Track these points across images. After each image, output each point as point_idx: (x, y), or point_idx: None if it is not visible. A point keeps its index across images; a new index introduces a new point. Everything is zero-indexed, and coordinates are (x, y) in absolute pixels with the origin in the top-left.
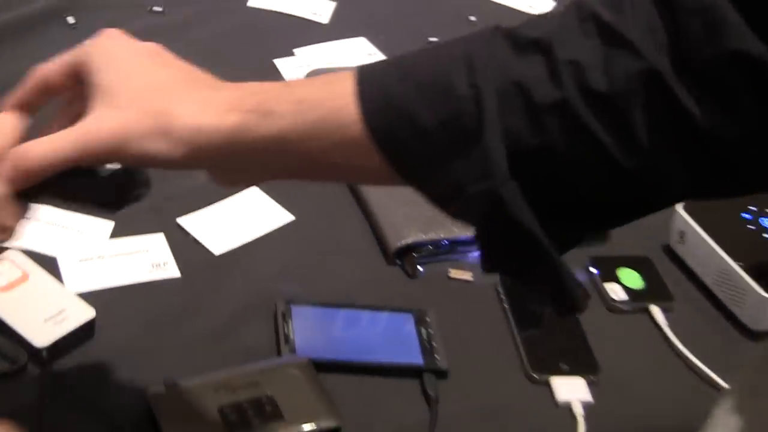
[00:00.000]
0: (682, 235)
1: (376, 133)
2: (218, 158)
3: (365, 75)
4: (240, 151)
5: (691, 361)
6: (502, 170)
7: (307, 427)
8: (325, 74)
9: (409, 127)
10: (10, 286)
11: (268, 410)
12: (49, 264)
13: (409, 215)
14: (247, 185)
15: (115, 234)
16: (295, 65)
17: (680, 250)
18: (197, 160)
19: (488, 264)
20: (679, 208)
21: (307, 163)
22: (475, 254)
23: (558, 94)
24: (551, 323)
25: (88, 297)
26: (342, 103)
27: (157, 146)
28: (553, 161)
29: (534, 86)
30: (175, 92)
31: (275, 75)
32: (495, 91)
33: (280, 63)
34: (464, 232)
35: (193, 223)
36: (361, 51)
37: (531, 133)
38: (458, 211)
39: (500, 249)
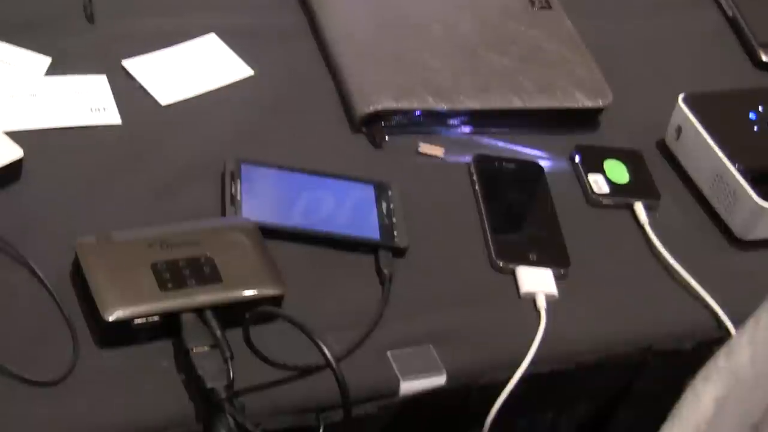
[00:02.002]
0: (679, 130)
1: None
2: None
3: None
4: None
5: (670, 265)
6: None
7: (246, 292)
8: None
9: None
10: None
11: (205, 271)
12: None
13: (381, 80)
14: None
15: (51, 71)
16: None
17: (675, 146)
18: None
19: None
20: (680, 99)
21: None
22: (449, 129)
23: None
24: (524, 210)
25: (16, 137)
26: None
27: None
28: None
29: None
30: None
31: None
32: None
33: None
34: (440, 104)
35: (139, 67)
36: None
37: None
38: None
39: None
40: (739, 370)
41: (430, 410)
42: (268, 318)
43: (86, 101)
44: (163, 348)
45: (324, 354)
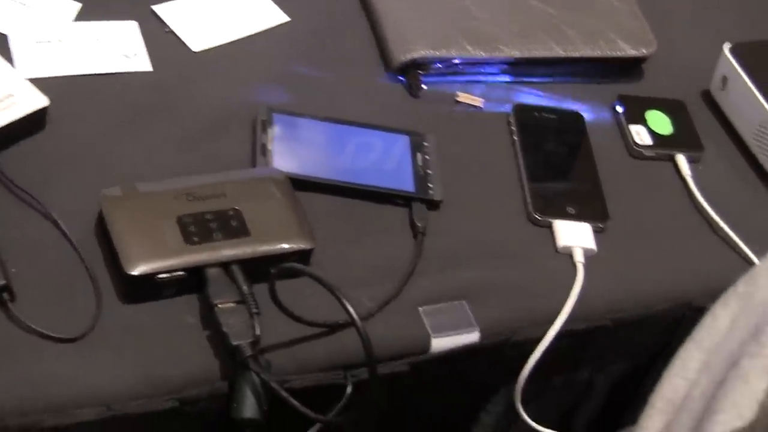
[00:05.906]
0: (724, 80)
1: None
2: None
3: None
4: None
5: (712, 218)
6: None
7: (274, 246)
8: None
9: None
10: None
11: (232, 224)
12: None
13: (419, 27)
14: None
15: (81, 17)
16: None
17: (720, 97)
18: None
19: None
20: (726, 49)
21: None
22: (488, 78)
23: None
24: (564, 162)
25: (42, 84)
26: None
27: None
28: None
29: None
30: None
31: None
32: None
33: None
34: (479, 51)
35: (171, 12)
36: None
37: None
38: None
39: None
40: (756, 291)
41: (463, 368)
42: (295, 274)
43: (116, 47)
44: (189, 303)
45: (347, 310)
